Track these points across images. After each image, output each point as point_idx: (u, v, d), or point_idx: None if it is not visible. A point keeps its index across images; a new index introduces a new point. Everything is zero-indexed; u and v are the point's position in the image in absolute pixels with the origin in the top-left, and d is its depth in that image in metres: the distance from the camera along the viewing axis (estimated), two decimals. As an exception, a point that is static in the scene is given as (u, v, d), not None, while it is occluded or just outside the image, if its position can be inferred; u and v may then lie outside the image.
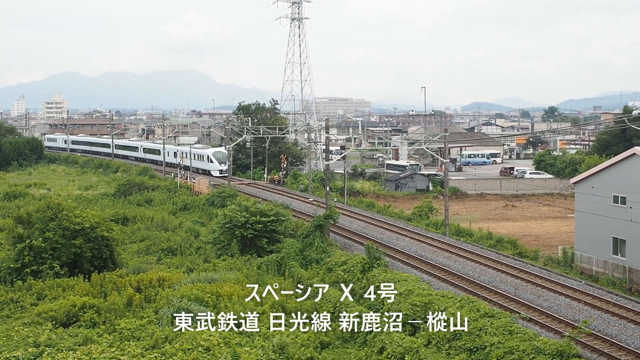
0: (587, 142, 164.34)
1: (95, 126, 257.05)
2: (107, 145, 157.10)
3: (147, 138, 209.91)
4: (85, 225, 50.49)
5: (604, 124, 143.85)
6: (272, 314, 40.65)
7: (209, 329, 37.52)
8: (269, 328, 38.59)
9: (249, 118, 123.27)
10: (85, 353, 33.98)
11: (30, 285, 45.65)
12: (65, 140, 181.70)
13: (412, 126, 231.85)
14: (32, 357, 33.47)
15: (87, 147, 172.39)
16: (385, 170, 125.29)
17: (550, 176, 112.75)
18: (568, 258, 57.79)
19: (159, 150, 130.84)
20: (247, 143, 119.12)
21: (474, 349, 34.46)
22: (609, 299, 41.63)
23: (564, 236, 71.42)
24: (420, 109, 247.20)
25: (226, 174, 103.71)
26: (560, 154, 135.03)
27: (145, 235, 66.38)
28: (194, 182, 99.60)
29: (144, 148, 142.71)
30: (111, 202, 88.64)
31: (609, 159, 63.61)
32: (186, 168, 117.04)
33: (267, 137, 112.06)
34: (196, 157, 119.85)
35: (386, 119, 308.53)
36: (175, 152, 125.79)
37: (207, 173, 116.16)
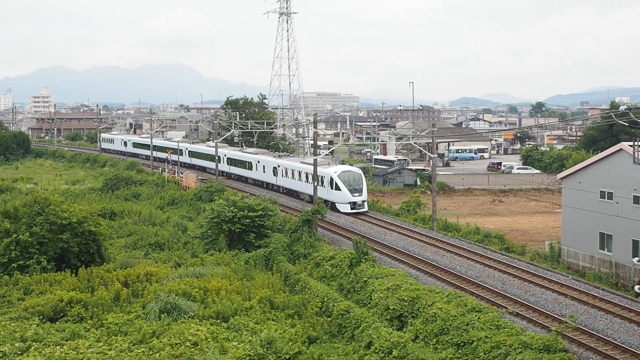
0: (575, 138, 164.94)
1: (83, 120, 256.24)
2: (179, 152, 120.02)
3: (135, 132, 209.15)
4: (72, 219, 50.34)
5: (591, 120, 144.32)
6: (259, 309, 40.82)
7: (196, 324, 37.56)
8: (256, 323, 38.66)
9: (237, 113, 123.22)
10: (72, 348, 33.88)
11: (17, 280, 45.50)
12: (124, 142, 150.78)
13: (400, 121, 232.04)
14: (19, 352, 33.35)
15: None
16: (373, 165, 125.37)
17: (538, 171, 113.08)
18: (555, 253, 57.96)
19: (250, 163, 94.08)
20: (235, 138, 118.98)
21: (461, 344, 34.56)
22: (596, 294, 41.78)
23: (551, 231, 71.61)
24: (408, 104, 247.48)
25: (363, 209, 71.27)
26: (548, 149, 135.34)
27: (132, 229, 66.22)
28: (182, 177, 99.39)
29: (228, 158, 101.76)
30: (98, 197, 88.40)
31: (596, 154, 63.79)
32: (280, 189, 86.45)
33: (255, 132, 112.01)
34: (306, 178, 77.58)
35: (374, 114, 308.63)
36: (274, 168, 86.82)
37: (329, 205, 69.15)
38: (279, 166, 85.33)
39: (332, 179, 71.92)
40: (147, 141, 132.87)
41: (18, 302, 42.00)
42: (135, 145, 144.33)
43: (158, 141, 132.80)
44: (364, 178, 73.39)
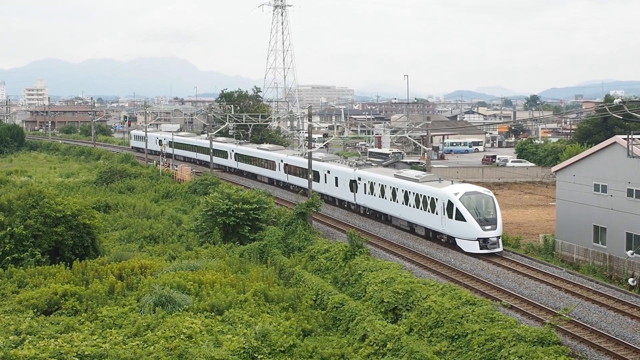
0: (569, 131, 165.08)
1: (77, 113, 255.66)
2: (224, 154, 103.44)
3: (130, 125, 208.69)
4: (66, 212, 50.26)
5: (586, 113, 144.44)
6: (254, 302, 40.84)
7: (191, 317, 37.59)
8: (251, 315, 38.68)
9: (232, 105, 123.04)
10: (66, 341, 33.86)
11: (11, 272, 45.43)
12: (159, 140, 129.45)
13: (395, 114, 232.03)
14: (13, 345, 33.31)
15: (197, 154, 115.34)
16: (368, 158, 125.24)
17: (532, 164, 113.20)
18: (549, 246, 58.00)
19: (316, 173, 72.82)
20: (229, 131, 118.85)
21: (456, 337, 34.64)
22: (590, 287, 41.88)
23: (545, 224, 71.63)
24: (403, 97, 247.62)
25: (497, 248, 50.73)
26: (542, 142, 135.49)
27: (127, 222, 66.18)
28: (176, 170, 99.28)
29: (287, 165, 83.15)
30: (93, 190, 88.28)
31: (590, 147, 63.89)
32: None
33: (250, 125, 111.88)
34: (418, 201, 56.16)
35: (369, 107, 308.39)
36: (353, 181, 67.14)
37: (443, 239, 54.28)
38: (359, 179, 66.00)
39: (450, 204, 51.66)
40: (188, 141, 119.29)
41: (12, 295, 41.94)
42: (173, 144, 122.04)
43: (198, 140, 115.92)
44: (496, 203, 53.02)
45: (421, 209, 55.37)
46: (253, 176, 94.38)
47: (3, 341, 33.68)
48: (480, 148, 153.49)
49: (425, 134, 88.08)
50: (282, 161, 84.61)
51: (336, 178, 70.65)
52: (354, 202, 67.44)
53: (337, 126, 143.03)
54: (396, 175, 61.20)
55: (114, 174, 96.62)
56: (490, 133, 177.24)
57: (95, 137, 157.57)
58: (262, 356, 33.29)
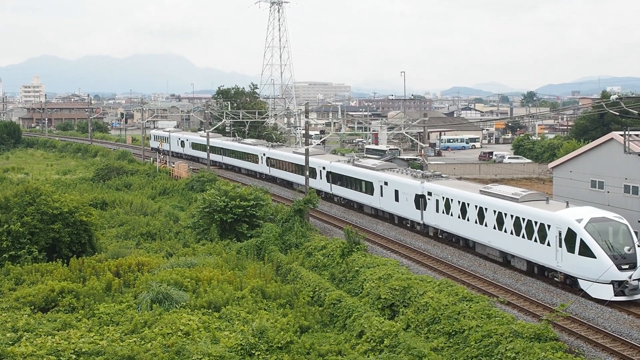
0: (566, 127, 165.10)
1: (74, 110, 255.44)
2: (253, 158, 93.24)
3: (126, 122, 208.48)
4: (63, 209, 50.24)
5: (582, 109, 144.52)
6: (251, 299, 40.85)
7: (188, 313, 37.59)
8: (248, 312, 38.69)
9: (229, 102, 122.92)
10: (64, 338, 33.85)
11: (8, 270, 45.40)
12: (181, 141, 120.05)
13: (392, 111, 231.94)
14: (10, 342, 33.27)
15: (231, 160, 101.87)
16: (365, 155, 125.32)
17: (529, 161, 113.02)
18: (546, 242, 58.04)
19: (370, 184, 62.97)
20: (226, 127, 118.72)
21: (453, 333, 34.69)
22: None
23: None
24: (400, 94, 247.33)
25: (637, 294, 38.61)
26: (539, 138, 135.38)
27: (124, 219, 66.16)
28: (173, 167, 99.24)
29: (330, 173, 71.07)
30: (90, 187, 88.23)
31: (587, 143, 63.95)
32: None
33: (247, 122, 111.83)
34: (513, 223, 45.18)
35: (366, 104, 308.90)
36: (419, 197, 55.53)
37: (559, 277, 42.04)
38: (429, 194, 54.17)
39: (571, 233, 40.19)
40: (212, 142, 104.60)
41: (9, 292, 41.91)
42: (197, 146, 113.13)
43: (226, 142, 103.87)
44: (633, 232, 41.12)
45: (523, 236, 43.74)
46: (288, 184, 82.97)
47: (0, 338, 33.65)
48: (477, 144, 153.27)
49: (422, 130, 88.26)
50: (324, 168, 72.24)
51: (396, 191, 58.57)
52: (421, 222, 55.33)
53: (334, 123, 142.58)
54: (483, 192, 49.09)
55: (111, 171, 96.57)
56: (487, 129, 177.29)
57: (92, 134, 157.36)
58: (259, 353, 33.30)
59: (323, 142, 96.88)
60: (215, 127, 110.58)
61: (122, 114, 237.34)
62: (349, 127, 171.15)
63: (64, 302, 39.78)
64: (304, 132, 68.72)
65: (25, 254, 47.59)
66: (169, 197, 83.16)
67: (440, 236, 53.19)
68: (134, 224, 63.24)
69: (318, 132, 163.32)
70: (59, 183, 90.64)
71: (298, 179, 77.53)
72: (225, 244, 54.85)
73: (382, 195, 61.20)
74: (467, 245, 50.49)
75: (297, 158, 78.46)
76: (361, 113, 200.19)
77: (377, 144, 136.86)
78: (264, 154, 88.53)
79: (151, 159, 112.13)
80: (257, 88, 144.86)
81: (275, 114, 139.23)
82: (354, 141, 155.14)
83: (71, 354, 31.99)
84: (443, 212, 51.76)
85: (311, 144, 70.32)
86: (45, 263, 47.05)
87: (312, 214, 61.92)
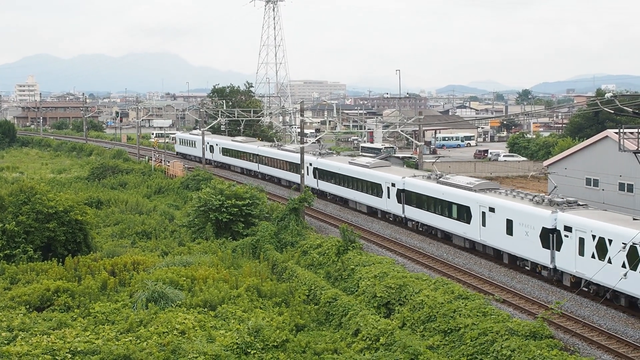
0: (561, 125, 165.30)
1: (69, 109, 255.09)
2: (297, 168, 69.31)
3: (122, 121, 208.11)
4: (58, 208, 50.20)
5: (577, 107, 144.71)
6: (247, 297, 40.83)
7: (184, 312, 37.58)
8: (244, 311, 38.68)
9: (224, 101, 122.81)
10: (59, 337, 33.83)
11: (4, 269, 45.35)
12: (210, 146, 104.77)
13: (387, 109, 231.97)
14: (6, 342, 33.25)
15: (268, 169, 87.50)
16: (360, 153, 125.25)
17: (524, 159, 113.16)
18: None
19: (467, 210, 49.29)
20: (221, 126, 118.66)
21: (449, 331, 34.70)
22: (582, 281, 41.78)
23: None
24: (395, 92, 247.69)
25: None
26: (534, 136, 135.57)
27: (119, 218, 66.11)
28: (168, 165, 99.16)
29: (410, 193, 56.63)
30: (85, 186, 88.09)
31: (582, 141, 64.09)
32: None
33: (242, 120, 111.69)
34: None
35: (361, 102, 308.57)
36: (559, 230, 40.69)
37: None
38: (567, 230, 40.15)
39: None
40: (246, 148, 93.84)
41: (5, 291, 41.81)
42: (227, 152, 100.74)
43: (262, 149, 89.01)
44: None
45: None
46: (342, 201, 69.25)
47: (-5, 338, 33.64)
48: (472, 142, 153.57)
49: (418, 128, 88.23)
50: (393, 185, 58.16)
51: (509, 221, 44.63)
52: (550, 266, 41.37)
53: (330, 121, 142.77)
54: None
55: (106, 170, 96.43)
56: (482, 127, 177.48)
57: (87, 133, 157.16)
58: (255, 351, 33.30)
59: (318, 140, 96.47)
60: (210, 125, 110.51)
61: (117, 113, 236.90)
62: (345, 125, 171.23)
63: (59, 301, 39.74)
64: (299, 130, 68.56)
65: (21, 253, 47.54)
66: (165, 195, 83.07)
67: (587, 289, 38.58)
68: (129, 223, 63.18)
69: (313, 131, 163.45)
70: (54, 182, 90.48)
71: (359, 196, 64.26)
72: (220, 242, 54.84)
73: (483, 225, 47.10)
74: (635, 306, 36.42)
75: (357, 171, 64.52)
76: (356, 111, 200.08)
77: (372, 142, 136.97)
78: (310, 164, 73.69)
79: (146, 157, 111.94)
80: (252, 86, 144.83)
81: (271, 113, 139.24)
82: (349, 139, 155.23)
83: (67, 353, 31.98)
84: (595, 258, 37.34)
85: (306, 142, 70.13)
86: (40, 262, 47.01)
87: (308, 212, 61.90)
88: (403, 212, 56.93)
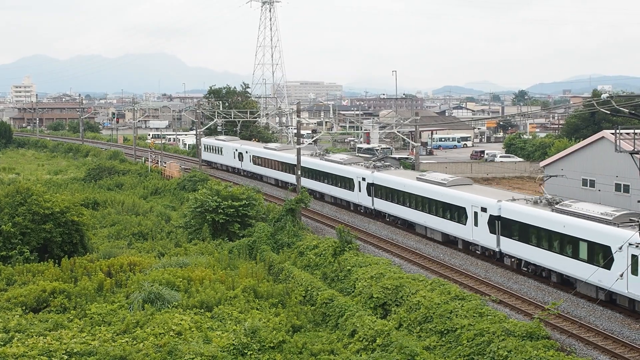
0: (557, 126, 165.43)
1: (65, 110, 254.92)
2: (347, 183, 66.45)
3: (118, 122, 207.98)
4: (55, 209, 50.12)
5: (573, 108, 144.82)
6: (243, 298, 40.82)
7: (180, 313, 37.55)
8: (240, 312, 38.66)
9: (220, 102, 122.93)
10: (55, 338, 33.78)
11: (0, 270, 45.27)
12: (239, 153, 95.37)
13: (384, 110, 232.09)
14: (2, 343, 33.19)
15: (313, 183, 73.64)
16: (357, 154, 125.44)
17: (521, 159, 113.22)
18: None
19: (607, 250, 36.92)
20: (218, 127, 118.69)
21: (445, 331, 34.71)
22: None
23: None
24: (392, 93, 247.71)
25: None
26: (530, 137, 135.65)
27: (115, 219, 66.02)
28: (165, 166, 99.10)
29: (494, 217, 46.40)
30: (81, 187, 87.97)
31: (578, 142, 64.17)
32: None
33: (239, 121, 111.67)
34: None
35: (357, 103, 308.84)
36: None
37: None
38: None
39: None
40: (282, 156, 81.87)
41: (1, 292, 41.73)
42: (258, 160, 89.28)
43: (303, 158, 68.58)
44: None
45: None
46: (407, 225, 58.16)
47: (-9, 339, 33.59)
48: (469, 143, 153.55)
49: (414, 129, 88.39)
50: (484, 210, 47.53)
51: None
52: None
53: (326, 122, 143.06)
54: None
55: (103, 171, 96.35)
56: (478, 128, 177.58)
57: (84, 134, 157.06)
58: (251, 352, 33.28)
59: (315, 141, 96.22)
60: (206, 126, 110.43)
61: (113, 114, 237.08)
62: (341, 126, 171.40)
63: (55, 302, 39.68)
64: (295, 131, 68.43)
65: (17, 255, 47.46)
66: (161, 196, 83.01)
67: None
68: (125, 224, 63.11)
69: (310, 132, 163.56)
70: (50, 183, 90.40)
71: (433, 221, 53.30)
72: (217, 243, 54.81)
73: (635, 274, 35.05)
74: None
75: (430, 190, 53.82)
76: (353, 112, 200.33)
77: (369, 143, 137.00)
78: (364, 178, 63.12)
79: (143, 158, 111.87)
80: (248, 87, 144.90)
81: (267, 114, 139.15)
82: (345, 140, 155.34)
83: (63, 354, 31.93)
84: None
85: (303, 143, 69.68)
86: (36, 263, 46.92)
87: (304, 213, 61.89)
88: (498, 244, 46.22)
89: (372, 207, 61.92)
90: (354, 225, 59.17)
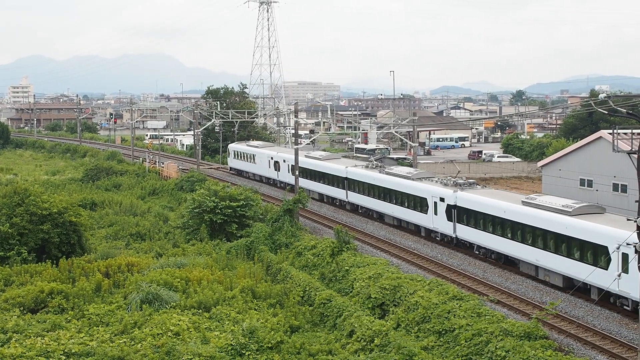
0: (555, 126, 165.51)
1: (63, 111, 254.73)
2: (419, 204, 54.08)
3: (116, 122, 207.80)
4: (52, 210, 50.12)
5: (571, 108, 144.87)
6: (241, 299, 40.84)
7: (178, 314, 37.55)
8: (238, 312, 38.67)
9: (218, 102, 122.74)
10: (53, 339, 33.80)
11: (-3, 271, 45.26)
12: (275, 162, 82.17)
13: (381, 110, 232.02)
14: (-1, 344, 33.24)
15: (370, 201, 61.95)
16: (355, 154, 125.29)
17: (518, 159, 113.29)
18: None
19: None
20: (216, 127, 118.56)
21: (443, 332, 34.71)
22: (576, 281, 41.72)
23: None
24: (389, 93, 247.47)
25: None
26: (528, 137, 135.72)
27: (113, 220, 66.01)
28: (163, 167, 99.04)
29: None
30: (79, 187, 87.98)
31: (576, 142, 64.21)
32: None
33: (236, 122, 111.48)
34: None
35: (355, 103, 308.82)
36: None
37: None
38: None
39: None
40: (328, 167, 69.65)
41: (-2, 293, 41.80)
42: (301, 171, 70.18)
43: (356, 171, 63.95)
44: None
45: None
46: (505, 260, 45.77)
47: (-11, 340, 33.58)
48: (467, 143, 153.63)
49: (412, 129, 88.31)
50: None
51: None
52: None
53: (324, 122, 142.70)
54: None
55: (100, 172, 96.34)
56: (476, 128, 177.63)
57: (81, 134, 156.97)
58: (249, 353, 33.31)
59: (312, 141, 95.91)
60: (204, 126, 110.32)
61: (111, 114, 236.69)
62: (339, 126, 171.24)
63: (53, 303, 39.71)
64: (293, 131, 68.28)
65: (14, 255, 47.45)
66: (159, 197, 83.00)
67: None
68: (123, 225, 63.11)
69: (308, 132, 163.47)
70: (48, 184, 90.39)
71: (548, 259, 40.79)
72: (215, 244, 54.80)
73: None
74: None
75: (545, 219, 41.30)
76: (350, 112, 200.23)
77: (366, 143, 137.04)
78: (442, 199, 51.05)
79: (140, 159, 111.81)
80: (246, 88, 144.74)
81: (265, 114, 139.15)
82: (343, 140, 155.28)
83: (61, 355, 31.98)
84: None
85: (301, 143, 69.30)
86: (34, 264, 46.93)
87: (302, 213, 61.85)
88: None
89: (454, 235, 50.17)
90: (352, 225, 59.13)
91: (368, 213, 62.20)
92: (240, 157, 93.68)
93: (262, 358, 33.19)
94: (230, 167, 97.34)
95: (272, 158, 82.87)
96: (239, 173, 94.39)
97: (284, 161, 79.42)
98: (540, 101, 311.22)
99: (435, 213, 51.54)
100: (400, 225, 57.51)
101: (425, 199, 52.68)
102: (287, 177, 77.40)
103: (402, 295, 39.06)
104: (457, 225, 49.39)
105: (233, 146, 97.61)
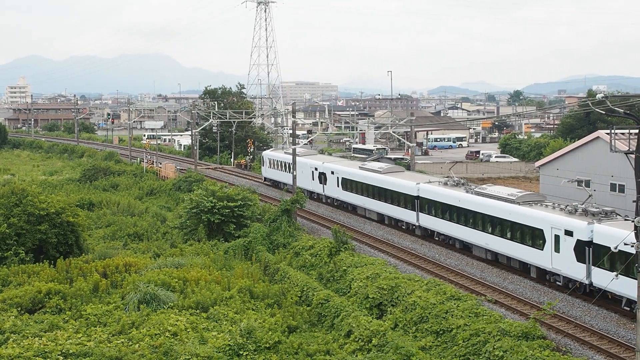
0: (552, 126, 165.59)
1: (60, 111, 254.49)
2: (529, 237, 41.95)
3: (113, 122, 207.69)
4: (50, 210, 50.08)
5: (569, 108, 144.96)
6: (239, 299, 40.81)
7: (176, 314, 37.52)
8: (236, 312, 38.65)
9: (216, 102, 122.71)
10: (51, 339, 33.75)
11: (-5, 271, 45.21)
12: (321, 173, 71.11)
13: (379, 110, 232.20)
14: (-3, 344, 33.20)
15: (454, 228, 49.77)
16: (352, 155, 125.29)
17: (516, 159, 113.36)
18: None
19: None
20: (213, 127, 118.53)
21: (441, 332, 34.72)
22: (573, 281, 41.70)
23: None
24: (387, 93, 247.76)
25: None
26: (526, 137, 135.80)
27: (111, 220, 65.97)
28: (160, 167, 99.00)
29: None
30: (76, 188, 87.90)
31: (574, 142, 64.24)
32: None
33: (234, 122, 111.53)
34: None
35: (353, 103, 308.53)
36: None
37: None
38: None
39: None
40: (392, 183, 57.93)
41: (-4, 294, 41.75)
42: (350, 185, 64.68)
43: (430, 187, 53.13)
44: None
45: None
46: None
47: (-13, 340, 33.53)
48: (464, 143, 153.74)
49: (409, 129, 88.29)
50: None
51: None
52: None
53: (321, 122, 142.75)
54: None
55: (98, 172, 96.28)
56: (474, 128, 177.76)
57: (79, 134, 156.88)
58: (247, 353, 33.29)
59: (310, 141, 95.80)
60: (202, 127, 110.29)
61: (108, 115, 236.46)
62: (336, 126, 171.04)
63: (51, 303, 39.66)
64: (291, 132, 68.24)
65: (12, 255, 47.40)
66: (156, 197, 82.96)
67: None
68: (121, 225, 63.08)
69: (305, 132, 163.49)
70: (46, 184, 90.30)
71: None
72: (212, 244, 54.78)
73: None
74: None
75: None
76: (348, 112, 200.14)
77: (364, 143, 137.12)
78: (569, 232, 39.16)
79: (138, 159, 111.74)
80: (244, 88, 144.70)
81: (263, 114, 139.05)
82: (341, 141, 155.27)
83: (58, 355, 31.92)
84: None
85: (298, 143, 69.22)
86: (32, 264, 46.87)
87: (300, 213, 61.86)
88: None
89: (587, 282, 38.03)
90: (350, 225, 59.12)
91: (447, 241, 51.71)
92: (277, 166, 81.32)
93: (260, 358, 33.16)
94: (265, 178, 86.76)
95: (316, 169, 71.82)
96: (275, 184, 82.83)
97: (332, 172, 68.57)
98: (538, 101, 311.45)
99: (558, 251, 39.90)
100: (497, 260, 46.27)
101: (541, 230, 41.27)
102: (336, 192, 67.64)
103: (400, 295, 39.06)
104: (594, 269, 37.37)
105: (268, 153, 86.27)
